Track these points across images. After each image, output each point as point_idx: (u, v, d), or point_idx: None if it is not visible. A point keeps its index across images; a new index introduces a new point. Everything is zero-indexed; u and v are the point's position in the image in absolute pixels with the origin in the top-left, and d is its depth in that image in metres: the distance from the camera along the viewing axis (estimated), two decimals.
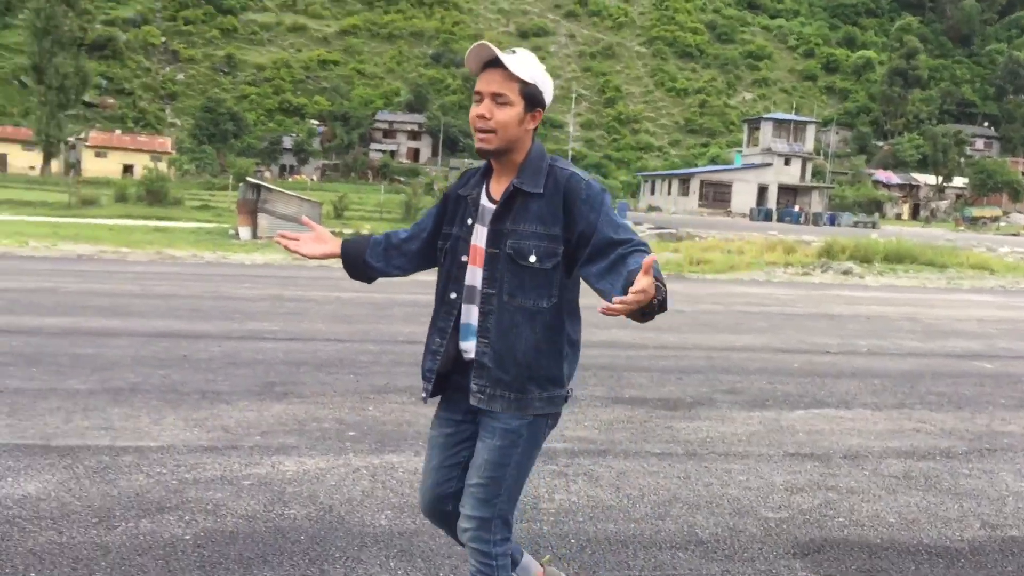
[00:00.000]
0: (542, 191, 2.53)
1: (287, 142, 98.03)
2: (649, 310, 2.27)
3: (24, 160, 78.25)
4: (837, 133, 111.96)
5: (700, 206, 70.40)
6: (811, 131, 75.62)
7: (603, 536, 4.05)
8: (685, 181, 75.43)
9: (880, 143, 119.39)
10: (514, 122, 2.51)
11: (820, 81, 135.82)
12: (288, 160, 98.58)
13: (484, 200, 2.63)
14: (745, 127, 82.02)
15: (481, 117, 2.50)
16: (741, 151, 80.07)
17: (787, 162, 72.87)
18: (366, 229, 29.24)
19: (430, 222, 2.80)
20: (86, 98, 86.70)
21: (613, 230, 2.48)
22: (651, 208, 73.87)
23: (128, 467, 4.69)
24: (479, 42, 2.52)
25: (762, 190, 71.86)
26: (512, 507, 2.69)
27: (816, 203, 73.00)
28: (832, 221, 63.46)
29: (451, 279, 2.65)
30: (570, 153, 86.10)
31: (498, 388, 2.56)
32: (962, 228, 68.61)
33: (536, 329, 2.55)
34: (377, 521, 4.09)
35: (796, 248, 26.77)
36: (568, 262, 2.57)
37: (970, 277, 22.73)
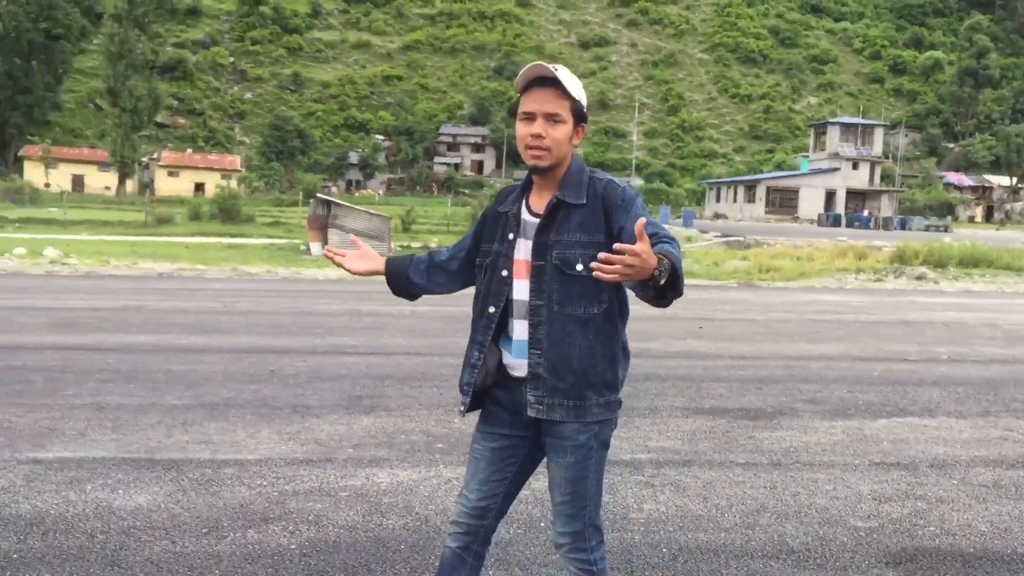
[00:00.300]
0: (585, 201, 2.60)
1: (353, 157, 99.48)
2: (654, 283, 2.25)
3: (100, 181, 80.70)
4: (906, 136, 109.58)
5: (767, 212, 69.58)
6: (879, 134, 74.25)
7: (694, 545, 4.11)
8: (751, 188, 74.65)
9: (951, 145, 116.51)
10: (566, 139, 2.59)
11: (887, 84, 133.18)
12: (354, 175, 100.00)
13: (525, 215, 2.68)
14: (811, 132, 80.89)
15: (537, 136, 2.56)
16: (808, 156, 78.94)
17: (855, 166, 71.64)
18: (434, 242, 29.60)
19: (469, 241, 2.85)
20: (158, 119, 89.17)
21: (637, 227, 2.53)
22: (717, 215, 73.20)
23: (230, 479, 4.89)
24: (537, 63, 2.60)
25: (830, 195, 70.74)
26: (599, 511, 2.76)
27: (886, 207, 71.58)
28: (903, 225, 62.15)
29: (490, 293, 2.68)
30: (634, 162, 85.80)
31: (556, 397, 2.59)
32: None
33: (589, 336, 2.59)
34: None
35: (867, 254, 26.36)
36: None
37: None
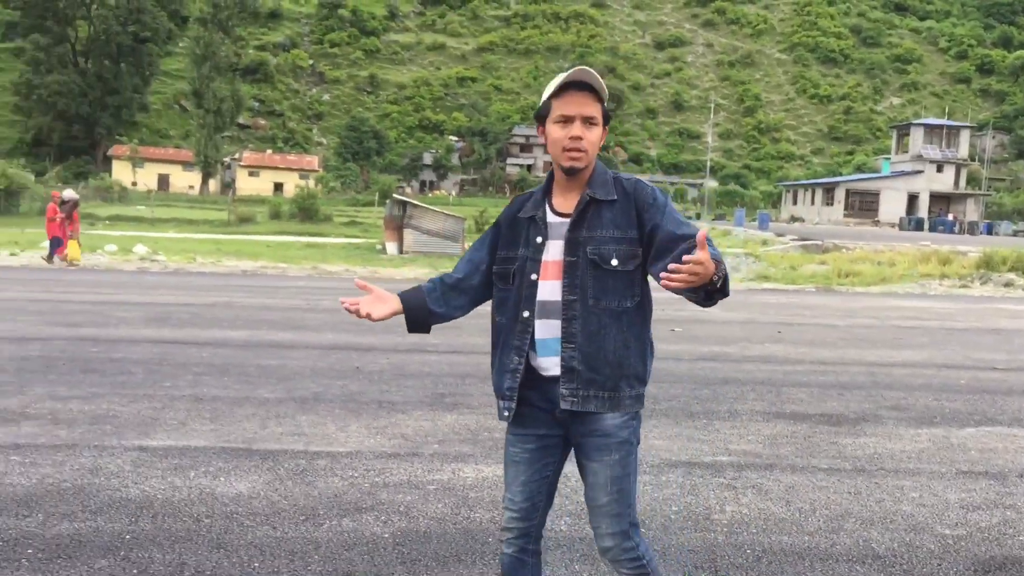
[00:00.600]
0: (615, 198, 2.67)
1: (427, 158, 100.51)
2: (711, 288, 2.36)
3: (184, 180, 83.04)
4: (993, 138, 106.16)
5: (846, 216, 68.16)
6: (965, 136, 72.08)
7: (777, 548, 4.15)
8: (829, 190, 73.20)
9: None
10: (599, 141, 2.67)
11: (974, 84, 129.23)
12: (428, 176, 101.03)
13: (551, 217, 2.71)
14: (894, 133, 78.92)
15: (576, 138, 2.61)
16: (889, 158, 77.05)
17: (939, 169, 69.69)
18: None
19: (486, 253, 2.84)
20: (240, 120, 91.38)
21: (676, 226, 2.61)
22: (793, 219, 72.00)
23: (323, 470, 5.08)
24: (581, 67, 2.67)
25: (912, 199, 68.95)
26: (635, 507, 2.81)
27: (971, 211, 69.49)
28: (989, 230, 60.29)
29: (522, 299, 2.69)
30: (708, 163, 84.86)
31: (591, 389, 2.63)
32: None
33: (623, 329, 2.65)
34: (558, 527, 4.31)
35: (952, 259, 25.70)
36: (644, 262, 2.70)
37: None
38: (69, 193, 20.41)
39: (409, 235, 27.71)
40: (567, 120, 2.63)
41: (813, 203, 74.96)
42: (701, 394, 7.52)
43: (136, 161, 79.07)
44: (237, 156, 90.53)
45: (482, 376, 7.88)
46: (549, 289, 2.67)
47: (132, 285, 15.51)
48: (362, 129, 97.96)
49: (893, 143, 77.58)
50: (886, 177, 71.98)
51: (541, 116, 2.72)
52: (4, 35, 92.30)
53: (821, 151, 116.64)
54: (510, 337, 2.72)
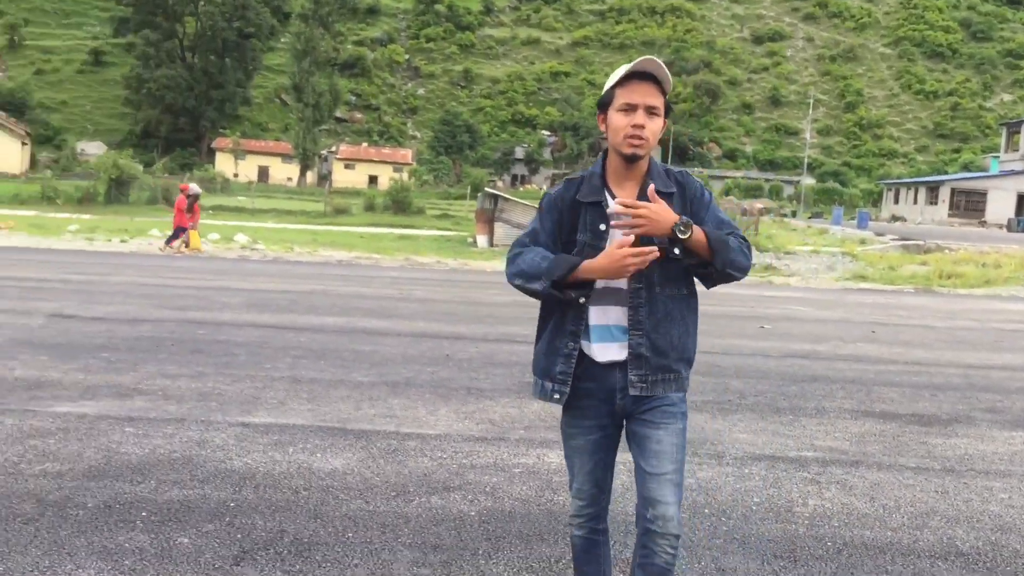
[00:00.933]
0: (673, 190, 2.75)
1: (519, 152, 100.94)
2: (672, 237, 2.59)
3: (283, 172, 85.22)
4: None
5: (950, 216, 65.83)
6: None
7: (859, 542, 4.17)
8: (933, 189, 70.79)
9: None
10: (660, 132, 2.72)
11: None
12: (519, 170, 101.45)
13: (615, 205, 2.72)
14: (1004, 131, 75.79)
15: (639, 126, 2.65)
16: (998, 157, 74.07)
17: None
18: None
19: (547, 233, 2.80)
20: (337, 114, 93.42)
21: (718, 224, 2.75)
22: (894, 218, 69.92)
23: (414, 451, 5.29)
24: (649, 57, 2.67)
25: (1022, 199, 66.17)
26: None
27: None
28: None
29: (579, 284, 2.69)
30: (806, 160, 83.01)
31: (660, 373, 2.71)
32: None
33: (683, 314, 2.76)
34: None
35: None
36: None
37: None
38: (194, 186, 21.50)
39: (500, 228, 27.97)
40: (631, 108, 2.67)
41: (916, 202, 72.62)
42: (788, 390, 7.49)
43: (238, 153, 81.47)
44: (334, 149, 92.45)
45: None
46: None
47: (234, 272, 16.13)
48: (455, 123, 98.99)
49: (1003, 141, 74.54)
50: (994, 176, 69.22)
51: (603, 104, 2.76)
52: (116, 31, 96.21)
53: (925, 148, 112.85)
54: (563, 322, 2.75)
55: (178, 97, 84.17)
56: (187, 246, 20.78)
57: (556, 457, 5.27)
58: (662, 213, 2.57)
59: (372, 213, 42.93)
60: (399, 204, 43.63)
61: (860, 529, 4.33)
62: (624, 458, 3.15)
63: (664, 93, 2.71)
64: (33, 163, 74.22)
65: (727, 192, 78.16)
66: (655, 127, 2.69)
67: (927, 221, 64.68)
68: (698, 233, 2.62)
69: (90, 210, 35.19)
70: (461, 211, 46.71)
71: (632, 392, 2.70)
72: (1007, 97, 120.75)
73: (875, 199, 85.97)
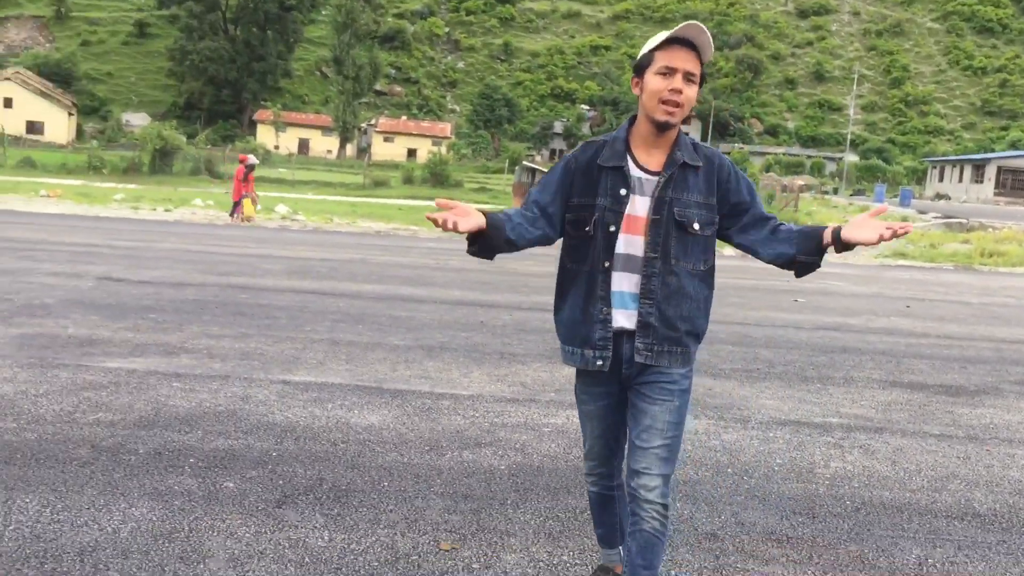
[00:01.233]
0: (701, 164, 2.72)
1: (558, 127, 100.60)
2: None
3: (323, 144, 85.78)
4: None
5: (996, 195, 64.68)
6: None
7: (878, 501, 4.29)
8: (979, 167, 69.52)
9: None
10: (694, 100, 2.66)
11: None
12: (558, 144, 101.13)
13: (638, 171, 2.71)
14: None
15: (676, 91, 2.62)
16: None
17: None
18: None
19: (552, 198, 2.77)
20: (377, 87, 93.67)
21: (762, 208, 2.81)
22: (938, 196, 68.83)
23: (447, 409, 5.48)
24: (694, 22, 2.63)
25: None
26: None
27: None
28: None
29: (602, 249, 2.71)
30: (848, 137, 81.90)
31: (666, 344, 2.71)
32: None
33: (696, 289, 2.74)
34: None
35: None
36: (719, 230, 2.83)
37: None
38: (252, 157, 22.09)
39: None
40: (670, 72, 2.63)
41: (961, 180, 71.42)
42: (817, 360, 7.58)
43: (279, 125, 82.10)
44: (373, 122, 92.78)
45: None
46: (627, 243, 2.71)
47: (274, 241, 16.43)
48: (494, 97, 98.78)
49: None
50: None
51: (640, 67, 2.72)
52: (160, 2, 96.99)
53: (973, 126, 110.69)
54: (593, 287, 2.74)
55: (220, 69, 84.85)
56: (240, 213, 21.34)
57: None
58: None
59: (410, 186, 43.18)
60: (437, 177, 43.83)
61: (879, 490, 4.44)
62: None
63: (703, 63, 2.68)
64: (79, 133, 75.50)
65: (768, 168, 77.35)
66: (691, 94, 2.65)
67: (972, 200, 63.62)
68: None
69: (135, 180, 35.81)
70: (499, 185, 46.78)
71: (637, 359, 2.71)
72: None
73: (919, 177, 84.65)
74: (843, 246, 2.71)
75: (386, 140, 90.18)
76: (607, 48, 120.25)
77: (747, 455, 4.88)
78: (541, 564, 3.40)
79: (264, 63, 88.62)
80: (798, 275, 2.85)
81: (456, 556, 3.42)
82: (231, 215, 21.61)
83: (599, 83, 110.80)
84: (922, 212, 38.15)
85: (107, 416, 4.93)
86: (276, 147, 74.83)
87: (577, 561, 3.45)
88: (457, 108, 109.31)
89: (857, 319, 10.14)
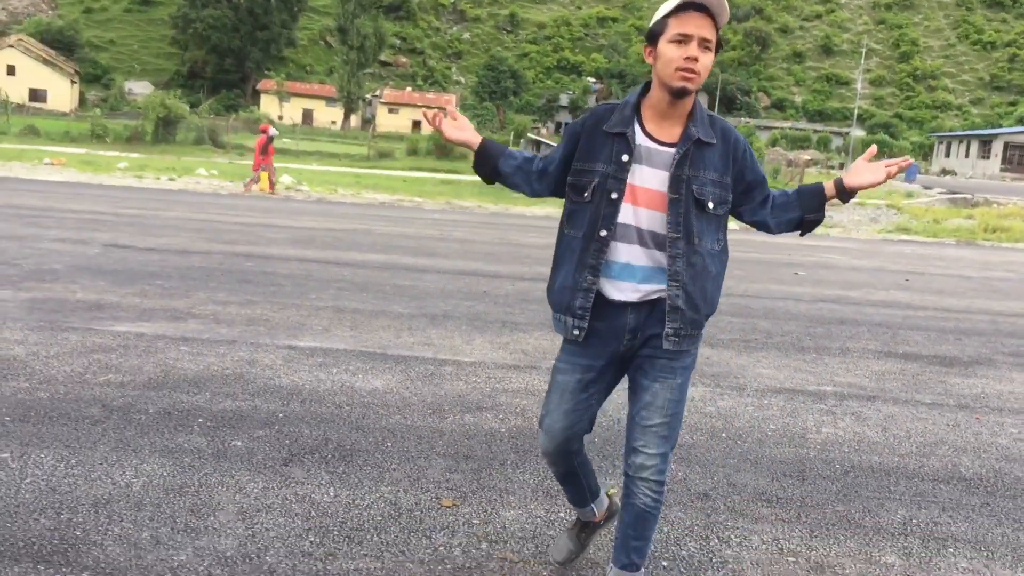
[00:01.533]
0: (716, 141, 2.63)
1: (563, 99, 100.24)
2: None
3: (327, 115, 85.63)
4: None
5: (1002, 170, 64.50)
6: None
7: (867, 465, 4.41)
8: (986, 143, 69.27)
9: None
10: (711, 67, 2.56)
11: None
12: (564, 117, 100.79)
13: (645, 140, 2.63)
14: None
15: (692, 59, 2.51)
16: None
17: None
18: None
19: (558, 158, 2.77)
20: (382, 57, 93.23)
21: (759, 182, 2.77)
22: (944, 172, 68.65)
23: (449, 375, 5.60)
24: None
25: None
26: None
27: None
28: None
29: (600, 216, 2.62)
30: (856, 111, 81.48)
31: (691, 328, 2.64)
32: None
33: (717, 268, 2.68)
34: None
35: None
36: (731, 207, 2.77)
37: None
38: (273, 129, 22.26)
39: None
40: (685, 39, 2.52)
41: (967, 156, 71.21)
42: (815, 331, 7.69)
43: (282, 95, 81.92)
44: (378, 93, 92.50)
45: None
46: (635, 214, 2.62)
47: (279, 211, 16.52)
48: (500, 69, 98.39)
49: None
50: None
51: (653, 35, 2.60)
52: None
53: (981, 101, 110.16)
54: (584, 255, 2.65)
55: (224, 37, 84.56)
56: (254, 184, 21.55)
57: None
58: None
59: (415, 157, 43.14)
60: (442, 149, 43.76)
61: (869, 455, 4.57)
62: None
63: (718, 28, 2.57)
64: (82, 101, 75.38)
65: (774, 143, 77.12)
66: (707, 61, 2.54)
67: (978, 175, 63.45)
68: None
69: (138, 148, 35.82)
70: None
71: (666, 345, 2.63)
72: None
73: (926, 152, 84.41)
74: (849, 194, 2.75)
75: (391, 111, 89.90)
76: (614, 20, 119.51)
77: (741, 421, 5.00)
78: (539, 520, 3.53)
79: (268, 32, 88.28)
80: (803, 234, 2.84)
81: (457, 512, 3.55)
82: (245, 185, 21.79)
83: (606, 55, 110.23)
84: (927, 187, 38.10)
85: (117, 377, 5.06)
86: (280, 117, 74.67)
87: (573, 517, 3.57)
88: (462, 80, 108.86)
89: (856, 292, 10.24)
